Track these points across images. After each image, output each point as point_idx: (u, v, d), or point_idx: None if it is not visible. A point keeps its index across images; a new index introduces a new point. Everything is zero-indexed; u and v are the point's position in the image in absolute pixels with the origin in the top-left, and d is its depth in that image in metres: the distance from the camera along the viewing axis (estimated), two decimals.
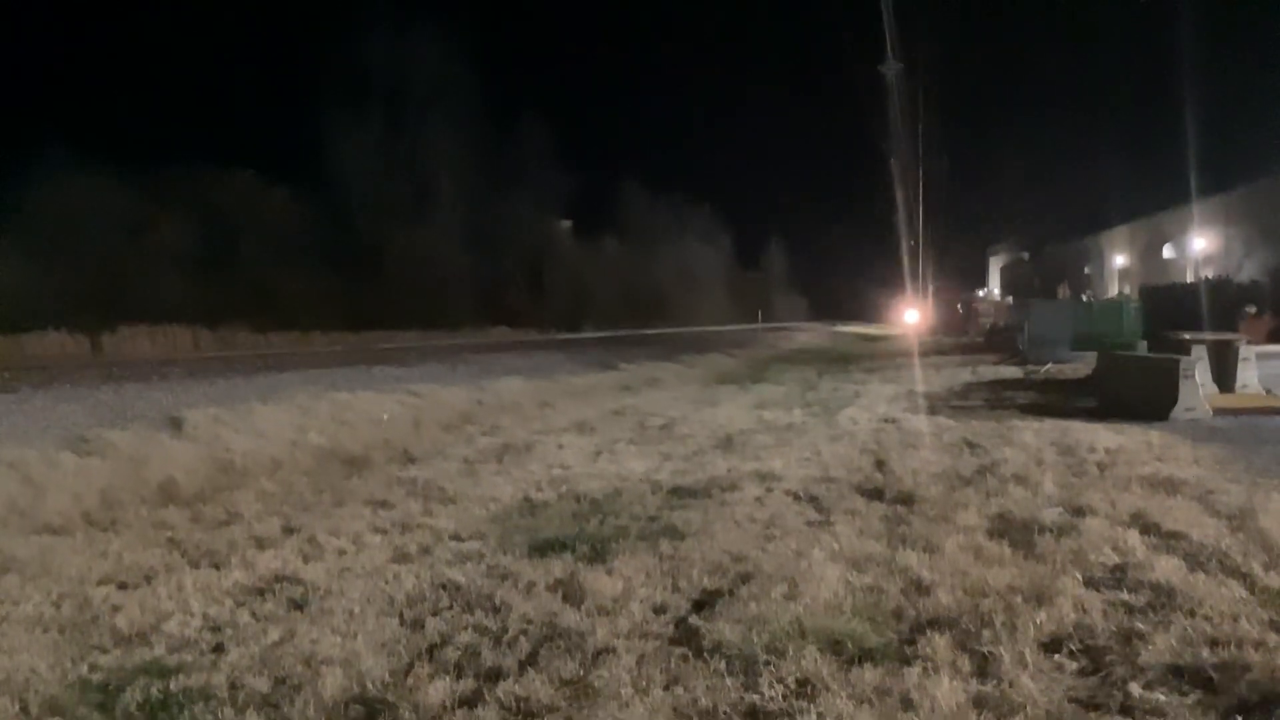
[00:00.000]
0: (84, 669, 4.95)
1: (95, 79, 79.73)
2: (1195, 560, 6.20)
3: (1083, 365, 24.75)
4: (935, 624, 5.11)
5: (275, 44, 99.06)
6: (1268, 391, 16.43)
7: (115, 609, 5.92)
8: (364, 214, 64.05)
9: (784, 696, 4.33)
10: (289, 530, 8.15)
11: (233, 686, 4.65)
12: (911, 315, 66.90)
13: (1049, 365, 26.56)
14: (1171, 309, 31.26)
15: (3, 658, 5.09)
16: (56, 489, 9.34)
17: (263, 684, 4.67)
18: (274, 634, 5.36)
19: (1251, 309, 23.57)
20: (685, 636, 5.13)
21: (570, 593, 5.97)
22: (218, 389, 16.63)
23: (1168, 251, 55.62)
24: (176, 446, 11.56)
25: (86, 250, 44.13)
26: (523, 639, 5.16)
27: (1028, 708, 4.12)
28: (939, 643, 4.79)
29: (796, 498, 8.91)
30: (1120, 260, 64.20)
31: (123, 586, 6.51)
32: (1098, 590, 5.64)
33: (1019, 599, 5.43)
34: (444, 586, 6.23)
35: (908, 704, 4.21)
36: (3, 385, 16.27)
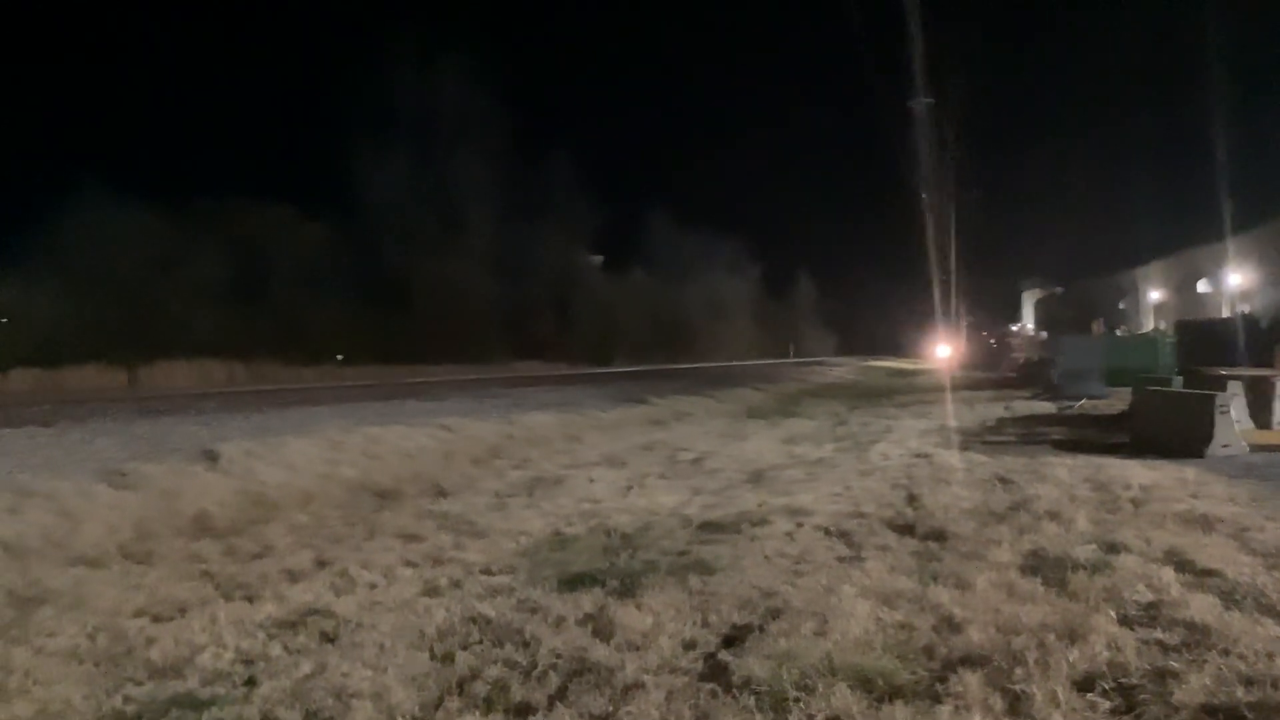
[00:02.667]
0: (118, 701, 4.99)
1: (130, 114, 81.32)
2: (1230, 598, 6.13)
3: (1117, 400, 24.56)
4: (967, 661, 5.07)
5: (306, 79, 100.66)
6: None
7: (149, 641, 5.96)
8: (393, 247, 64.70)
9: None
10: (321, 563, 8.20)
11: (264, 719, 4.68)
12: (943, 349, 66.50)
13: (1083, 400, 26.34)
14: (1207, 344, 30.95)
15: (38, 689, 5.15)
16: (92, 521, 9.44)
17: (294, 717, 4.69)
18: (305, 667, 5.39)
19: None
20: (714, 672, 5.12)
21: (600, 627, 5.97)
22: (251, 422, 16.81)
23: (1203, 286, 55.16)
24: (211, 479, 11.66)
25: (122, 284, 44.76)
26: (552, 673, 5.16)
27: None
28: (971, 681, 4.75)
29: (827, 533, 8.87)
30: (1155, 295, 63.71)
31: (157, 619, 6.56)
32: (1131, 628, 5.58)
33: (1052, 636, 5.38)
34: (474, 620, 6.25)
35: None
36: (41, 419, 16.50)
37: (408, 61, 65.44)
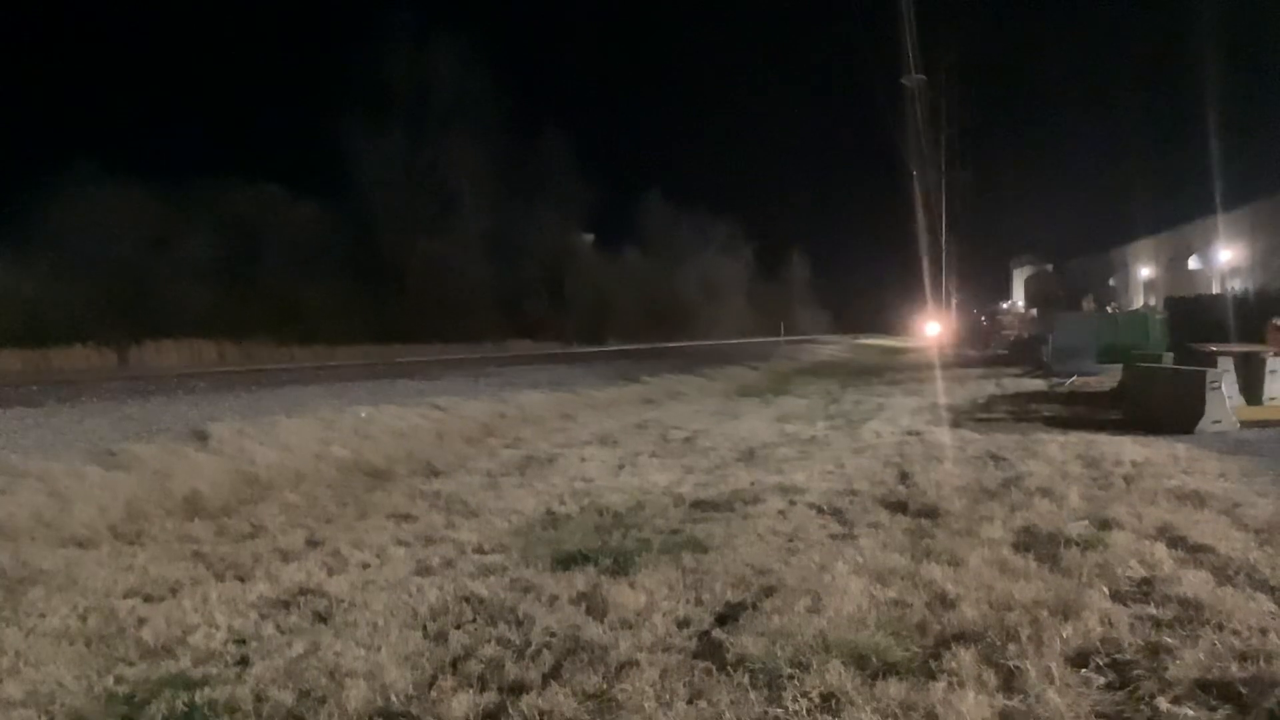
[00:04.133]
0: (110, 681, 4.97)
1: (120, 93, 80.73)
2: (1223, 574, 6.15)
3: (1108, 378, 24.64)
4: (960, 638, 5.07)
5: (298, 57, 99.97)
6: None
7: (141, 621, 5.94)
8: (386, 226, 64.40)
9: (808, 711, 4.31)
10: (313, 543, 8.18)
11: (257, 699, 4.66)
12: (933, 328, 66.53)
13: (1074, 378, 26.40)
14: (1197, 321, 31.04)
15: (29, 670, 5.12)
16: (83, 502, 9.40)
17: (287, 697, 4.67)
18: (298, 647, 5.37)
19: (1279, 320, 23.36)
20: (708, 650, 5.12)
21: (593, 606, 5.97)
22: (242, 402, 16.77)
23: (1193, 263, 55.31)
24: (202, 459, 11.62)
25: (112, 263, 44.50)
26: (546, 652, 5.16)
27: None
28: (964, 657, 4.76)
29: (820, 511, 8.88)
30: (1145, 272, 63.88)
31: (148, 599, 6.54)
32: (1124, 604, 5.60)
33: (1045, 613, 5.39)
34: (467, 599, 6.24)
35: (933, 719, 4.18)
36: (30, 399, 16.42)
37: (401, 40, 64.79)
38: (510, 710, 4.44)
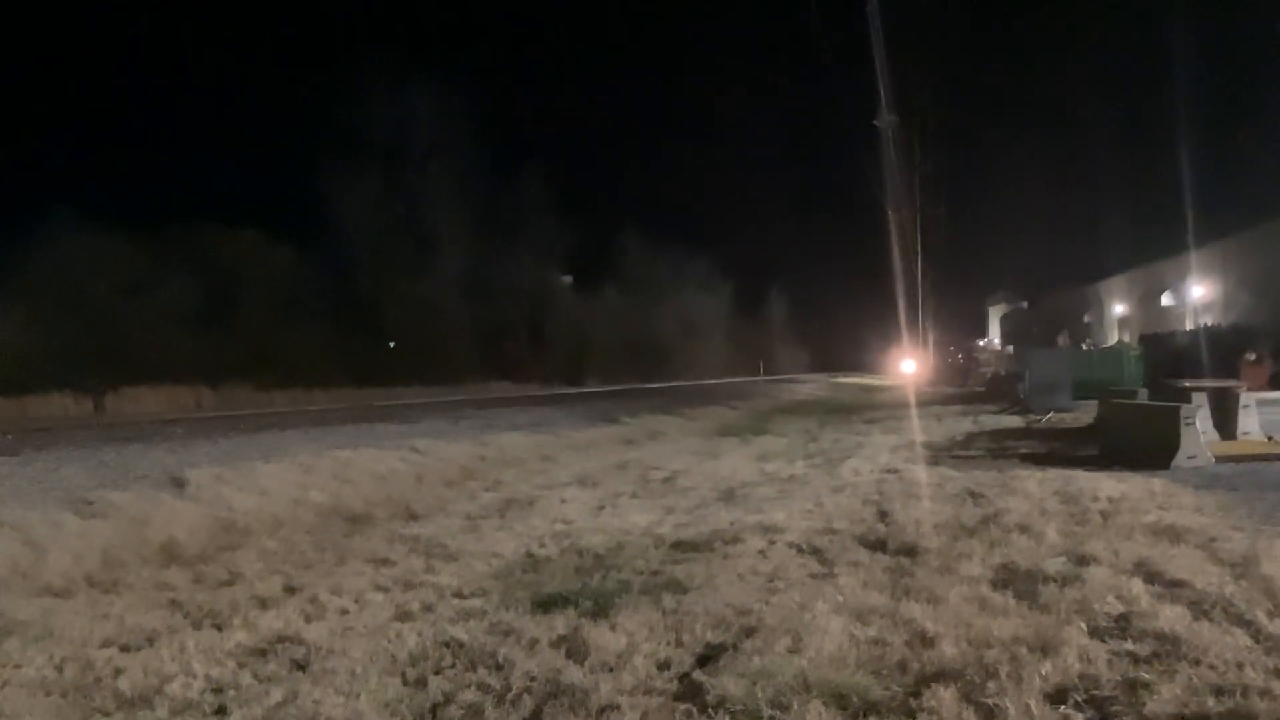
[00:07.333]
0: None
1: (97, 139, 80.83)
2: (1199, 608, 6.17)
3: (1084, 414, 24.78)
4: (940, 676, 5.08)
5: (275, 101, 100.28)
6: (1269, 438, 16.37)
7: (118, 671, 5.89)
8: (365, 269, 64.57)
9: None
10: (291, 589, 8.13)
11: None
12: (909, 365, 66.87)
13: (1050, 414, 26.57)
14: (1171, 356, 31.37)
15: None
16: (58, 550, 9.32)
17: None
18: (276, 695, 5.32)
19: (1251, 355, 23.59)
20: (689, 692, 5.10)
21: (573, 649, 5.94)
22: (220, 448, 16.67)
23: (1166, 299, 55.84)
24: (179, 506, 11.55)
25: (89, 310, 44.34)
26: (526, 697, 5.13)
27: None
28: (944, 695, 4.77)
29: (799, 550, 8.88)
30: (1119, 308, 64.48)
31: (125, 648, 6.48)
32: (1102, 640, 5.61)
33: (1024, 650, 5.40)
34: (447, 644, 6.20)
35: None
36: (5, 447, 16.29)
37: (378, 82, 65.26)
38: None
